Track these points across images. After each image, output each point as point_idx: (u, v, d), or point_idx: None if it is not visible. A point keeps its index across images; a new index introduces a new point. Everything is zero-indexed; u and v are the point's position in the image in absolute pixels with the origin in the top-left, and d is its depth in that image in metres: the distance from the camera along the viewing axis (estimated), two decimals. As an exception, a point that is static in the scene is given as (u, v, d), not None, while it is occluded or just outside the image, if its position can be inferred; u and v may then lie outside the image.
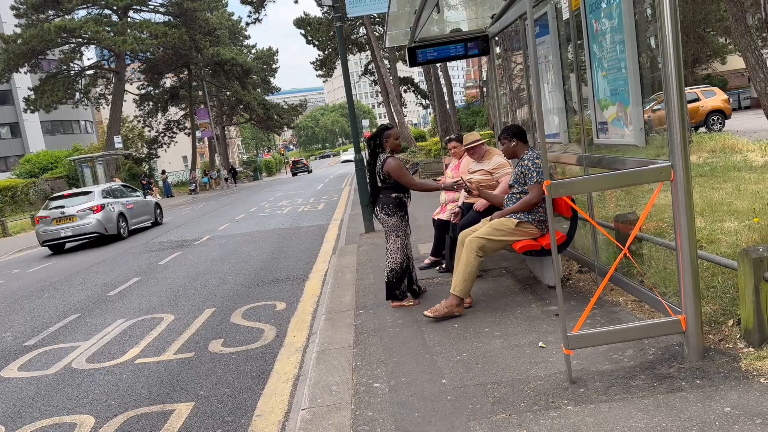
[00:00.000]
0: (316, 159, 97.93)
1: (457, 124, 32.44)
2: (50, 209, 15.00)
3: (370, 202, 5.71)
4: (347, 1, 10.15)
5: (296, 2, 36.49)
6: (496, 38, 6.93)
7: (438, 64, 26.94)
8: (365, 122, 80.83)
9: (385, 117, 61.57)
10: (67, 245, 15.68)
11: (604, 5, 3.78)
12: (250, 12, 34.10)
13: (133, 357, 5.52)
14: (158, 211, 19.02)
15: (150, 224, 18.20)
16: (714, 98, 22.25)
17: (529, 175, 4.71)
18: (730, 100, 24.73)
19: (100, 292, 8.82)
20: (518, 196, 4.84)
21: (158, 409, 4.28)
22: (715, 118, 21.76)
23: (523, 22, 5.54)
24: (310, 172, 56.68)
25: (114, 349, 5.84)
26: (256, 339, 5.57)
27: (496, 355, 4.02)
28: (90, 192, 15.81)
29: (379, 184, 5.43)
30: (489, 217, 5.05)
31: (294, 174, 55.64)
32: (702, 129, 21.30)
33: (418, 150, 31.99)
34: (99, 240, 15.83)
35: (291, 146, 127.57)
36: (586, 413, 3.05)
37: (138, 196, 18.06)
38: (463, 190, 5.32)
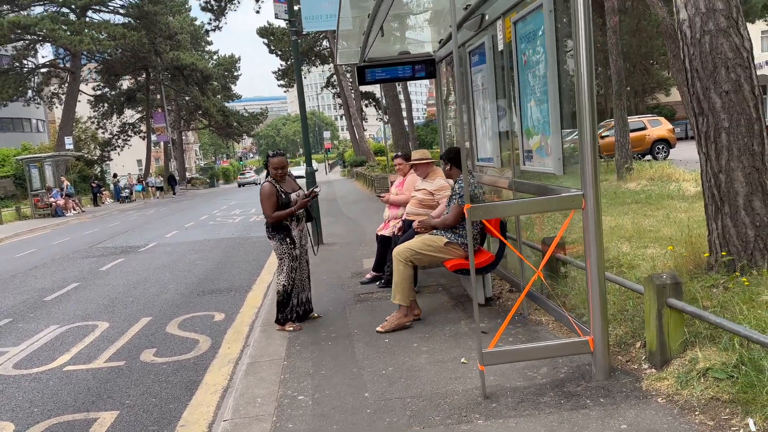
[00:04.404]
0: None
1: (416, 140, 32.83)
2: (242, 174, 57.64)
3: None
4: (303, 16, 10.27)
5: (258, 12, 36.27)
6: (444, 62, 7.14)
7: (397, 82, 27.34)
8: (326, 134, 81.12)
9: (346, 129, 61.88)
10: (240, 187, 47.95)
11: (531, 40, 4.00)
12: (211, 19, 33.90)
13: (62, 364, 5.44)
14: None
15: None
16: (660, 127, 23.16)
17: (454, 198, 4.91)
18: (677, 130, 25.81)
19: (36, 296, 8.61)
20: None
21: (81, 417, 4.24)
22: (660, 147, 22.64)
23: (465, 49, 5.76)
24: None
25: (43, 356, 5.74)
26: (190, 349, 5.55)
27: (420, 369, 4.15)
28: (252, 170, 61.47)
29: None
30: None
31: None
32: (648, 157, 22.13)
33: (376, 164, 32.26)
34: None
35: (251, 154, 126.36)
36: (494, 428, 3.20)
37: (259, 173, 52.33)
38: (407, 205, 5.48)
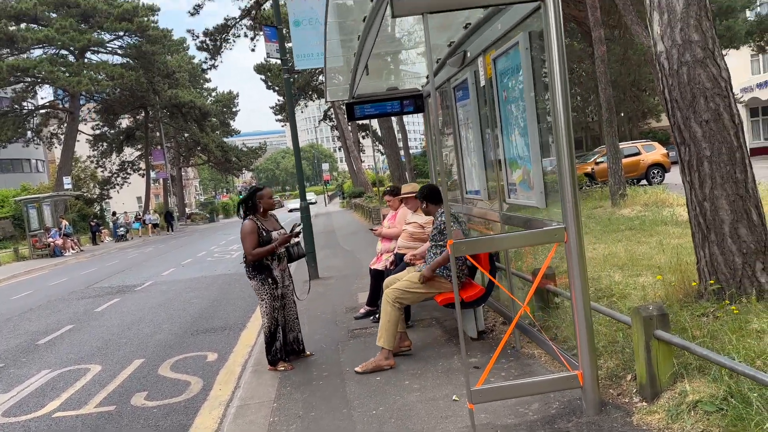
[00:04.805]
0: None
1: (412, 170, 32.98)
2: None
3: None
4: (295, 55, 10.46)
5: (253, 50, 37.01)
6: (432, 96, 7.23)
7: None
8: (325, 165, 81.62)
9: (345, 161, 62.27)
10: None
11: (510, 75, 4.05)
12: (207, 58, 34.37)
13: (51, 410, 5.37)
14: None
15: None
16: (654, 152, 23.28)
17: (447, 233, 4.93)
18: (671, 154, 25.93)
19: (30, 340, 8.55)
20: (434, 251, 5.02)
21: (68, 467, 4.18)
22: (656, 172, 22.71)
23: (450, 85, 5.84)
24: (281, 206, 69.21)
25: (33, 402, 5.67)
26: (181, 392, 5.49)
27: (411, 408, 4.09)
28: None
29: None
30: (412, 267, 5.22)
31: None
32: (643, 182, 22.19)
33: (374, 195, 32.36)
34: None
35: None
36: (483, 468, 3.14)
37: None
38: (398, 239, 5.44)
